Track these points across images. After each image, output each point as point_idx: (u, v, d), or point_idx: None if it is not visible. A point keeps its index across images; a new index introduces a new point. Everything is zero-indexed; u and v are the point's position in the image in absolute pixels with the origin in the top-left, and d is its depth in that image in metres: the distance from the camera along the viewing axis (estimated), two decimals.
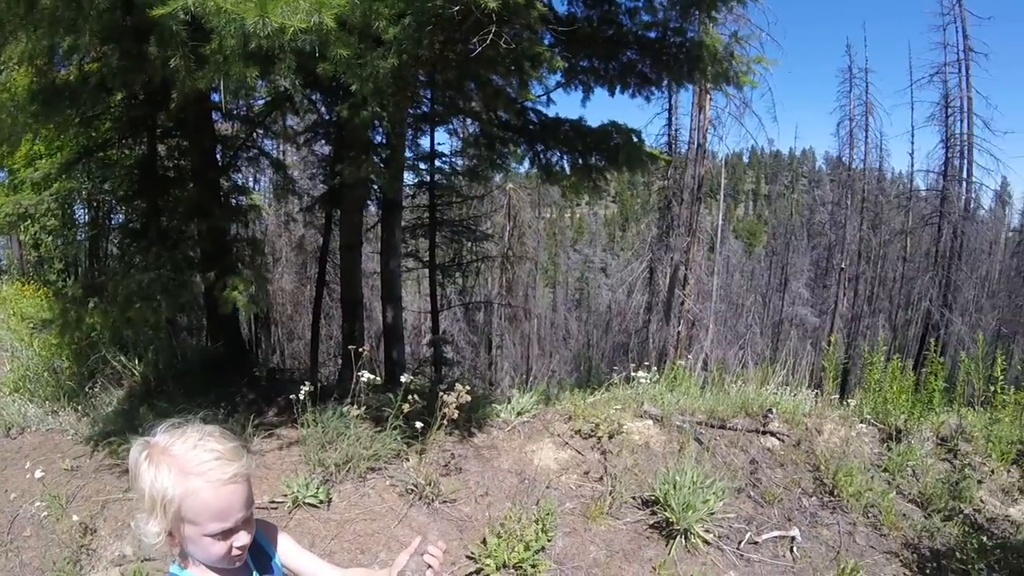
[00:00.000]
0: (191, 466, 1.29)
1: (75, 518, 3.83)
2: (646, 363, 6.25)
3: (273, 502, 4.04)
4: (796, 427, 4.85)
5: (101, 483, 4.34)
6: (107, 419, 5.19)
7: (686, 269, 15.62)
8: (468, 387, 4.23)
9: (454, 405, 4.05)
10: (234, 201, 7.78)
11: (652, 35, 5.49)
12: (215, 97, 6.26)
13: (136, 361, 5.74)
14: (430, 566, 1.48)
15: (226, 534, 1.34)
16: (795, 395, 5.29)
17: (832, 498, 4.29)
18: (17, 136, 4.55)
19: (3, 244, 17.20)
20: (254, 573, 1.50)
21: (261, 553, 1.56)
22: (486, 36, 3.20)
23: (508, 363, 23.76)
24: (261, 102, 7.30)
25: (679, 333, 15.48)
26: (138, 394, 5.55)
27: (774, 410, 4.87)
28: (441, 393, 4.22)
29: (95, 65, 4.49)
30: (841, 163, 23.10)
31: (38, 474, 4.00)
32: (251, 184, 9.77)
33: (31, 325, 6.82)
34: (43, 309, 8.18)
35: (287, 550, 1.64)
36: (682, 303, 15.63)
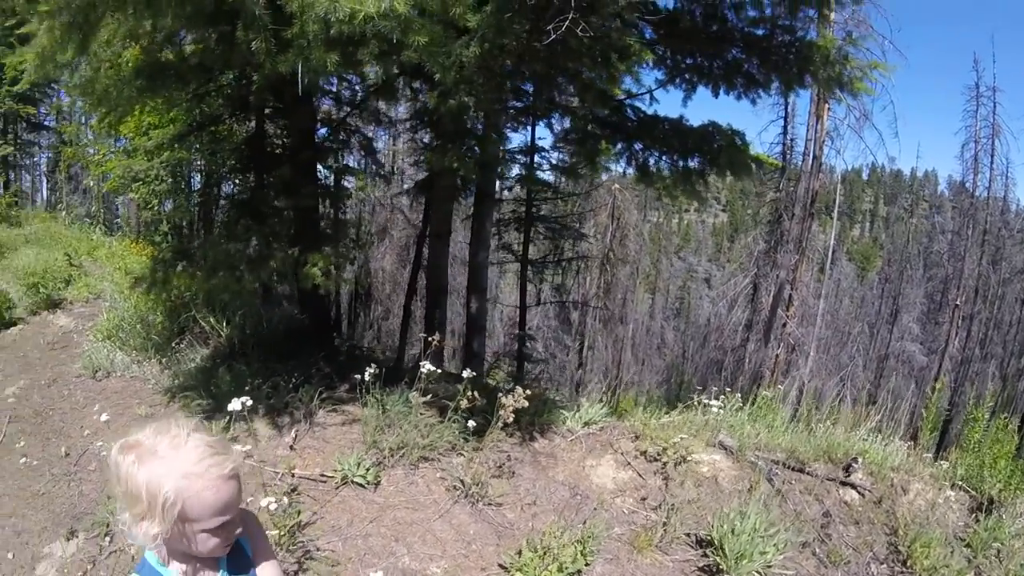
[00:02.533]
0: (189, 466, 1.29)
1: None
2: (728, 389, 5.83)
3: (323, 475, 4.11)
4: (881, 481, 4.31)
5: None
6: (188, 374, 5.47)
7: (791, 289, 14.66)
8: (529, 392, 4.09)
9: (510, 408, 3.92)
10: (330, 180, 8.03)
11: (759, 32, 5.06)
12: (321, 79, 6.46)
13: (224, 323, 5.99)
14: None
15: (224, 526, 1.36)
16: (886, 444, 4.72)
17: (904, 569, 3.76)
18: (124, 107, 4.82)
19: (120, 204, 18.89)
20: (224, 560, 1.48)
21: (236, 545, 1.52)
22: (561, 24, 3.01)
23: (598, 365, 23.40)
24: (361, 91, 7.47)
25: (777, 356, 14.58)
26: (221, 355, 5.80)
27: (859, 459, 4.35)
28: (500, 394, 4.10)
29: (196, 47, 4.68)
30: (964, 189, 20.91)
31: (104, 417, 4.27)
32: (359, 165, 10.11)
33: (132, 280, 7.34)
34: (144, 267, 8.84)
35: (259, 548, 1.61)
36: (784, 325, 14.70)
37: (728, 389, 5.65)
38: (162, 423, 1.38)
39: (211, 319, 6.00)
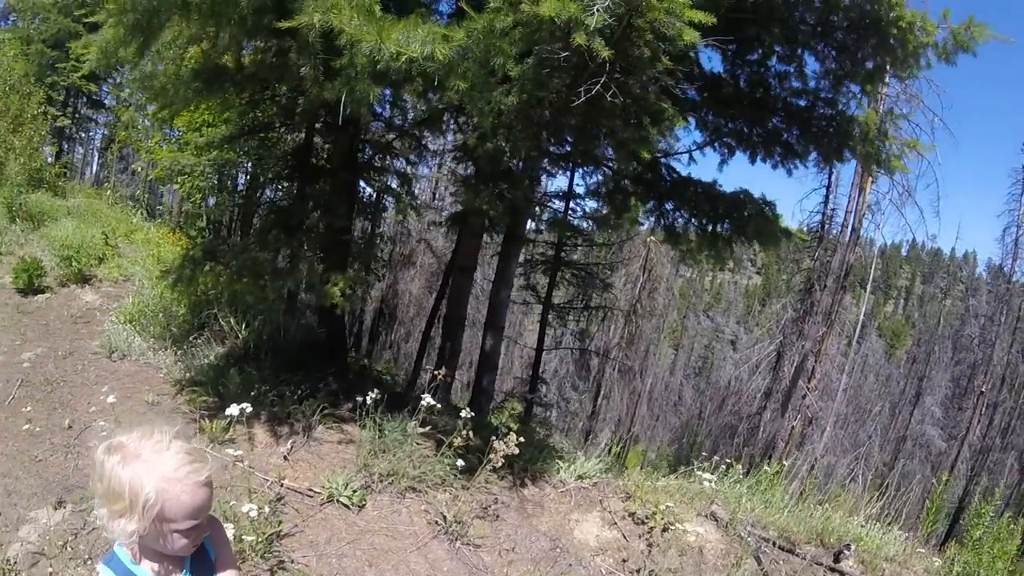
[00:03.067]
0: (170, 471, 1.40)
1: None
2: (734, 458, 5.74)
3: (311, 489, 4.15)
4: (872, 571, 4.19)
5: (169, 424, 4.63)
6: (199, 369, 5.57)
7: (815, 360, 14.41)
8: (522, 439, 4.11)
9: (500, 453, 3.94)
10: (370, 199, 8.18)
11: (801, 103, 5.13)
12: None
13: (243, 325, 6.11)
14: None
15: (195, 528, 1.46)
16: (884, 533, 4.60)
17: None
18: (179, 105, 5.05)
19: (163, 192, 19.41)
20: (187, 561, 1.56)
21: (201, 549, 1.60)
22: (594, 85, 3.10)
23: (612, 415, 23.17)
24: (409, 121, 7.69)
25: (793, 428, 14.28)
26: (235, 355, 5.90)
27: (852, 546, 4.23)
28: (493, 438, 4.13)
29: (254, 57, 4.90)
30: (1002, 273, 20.40)
31: (111, 399, 4.39)
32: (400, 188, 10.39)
33: (163, 268, 7.51)
34: (176, 258, 9.07)
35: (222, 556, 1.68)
36: (803, 396, 14.42)
37: (734, 458, 5.56)
38: (146, 428, 1.49)
39: (231, 319, 6.11)
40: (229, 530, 3.06)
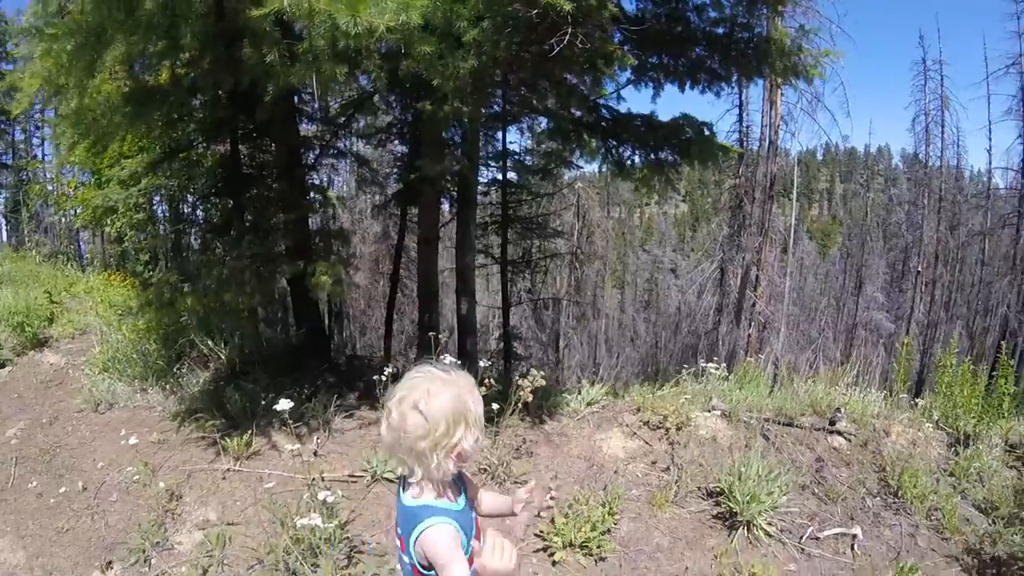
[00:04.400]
0: (466, 387, 1.60)
1: (161, 485, 4.05)
2: (714, 359, 6.25)
3: (352, 476, 4.30)
4: (864, 428, 4.78)
5: (187, 454, 4.63)
6: (194, 398, 5.50)
7: (758, 270, 15.26)
8: (542, 373, 4.39)
9: (529, 389, 4.21)
10: (313, 197, 8.19)
11: (720, 31, 5.49)
12: (298, 98, 6.67)
13: (222, 346, 6.09)
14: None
15: (476, 439, 1.62)
16: (864, 396, 5.19)
17: (896, 499, 4.22)
18: (110, 135, 4.96)
19: (87, 239, 18.59)
20: (461, 488, 1.75)
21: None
22: (563, 37, 3.34)
23: (575, 362, 23.75)
24: (336, 106, 7.69)
25: (750, 335, 15.15)
26: (224, 376, 5.89)
27: (842, 410, 4.81)
28: (516, 379, 4.40)
29: (185, 69, 4.86)
30: (917, 160, 22.00)
31: (133, 440, 4.28)
32: (326, 183, 10.35)
33: (119, 312, 7.28)
34: (131, 297, 8.81)
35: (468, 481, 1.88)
36: (753, 305, 15.28)
37: (713, 360, 6.05)
38: (412, 374, 1.64)
39: (209, 342, 6.10)
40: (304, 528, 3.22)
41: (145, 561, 3.62)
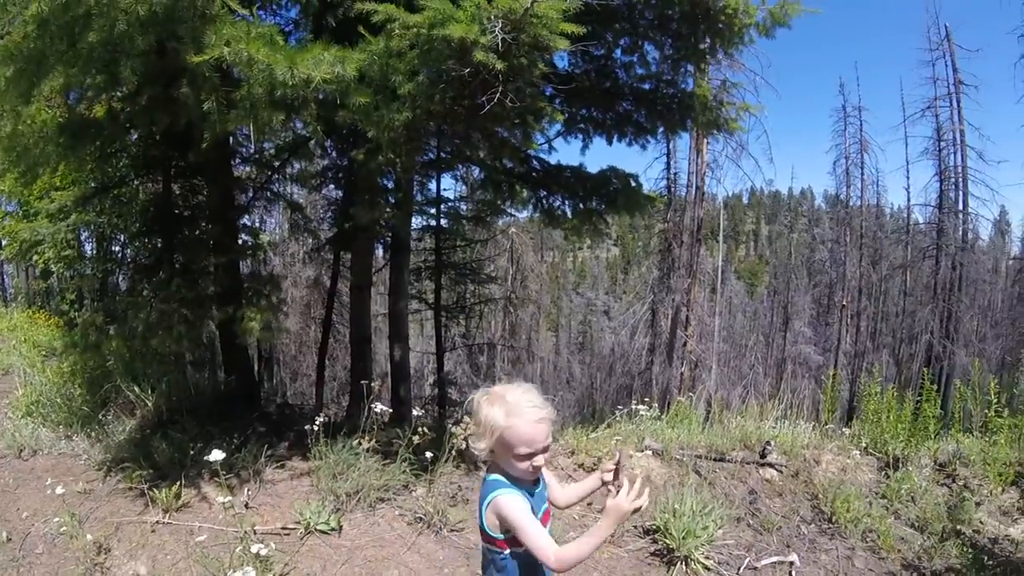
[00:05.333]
0: (516, 408, 1.90)
1: (89, 537, 3.88)
2: (646, 399, 6.42)
3: (285, 528, 4.16)
4: (794, 458, 5.00)
5: (115, 506, 4.44)
6: (120, 446, 5.29)
7: (688, 310, 15.82)
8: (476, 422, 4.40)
9: (462, 436, 4.21)
10: (245, 240, 8.07)
11: (646, 87, 5.84)
12: (232, 140, 6.62)
13: (149, 392, 5.88)
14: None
15: (529, 456, 1.92)
16: (794, 428, 5.44)
17: (830, 525, 4.42)
18: (41, 166, 4.82)
19: (10, 273, 17.55)
20: (541, 483, 2.12)
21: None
22: (493, 95, 3.50)
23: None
24: (271, 149, 7.67)
25: (682, 374, 15.59)
26: (151, 424, 5.66)
27: (772, 442, 5.03)
28: (449, 426, 4.40)
29: (122, 104, 4.79)
30: (839, 201, 23.51)
31: (59, 490, 4.04)
32: (259, 225, 10.20)
33: (43, 353, 6.94)
34: (55, 338, 8.37)
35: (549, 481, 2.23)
36: (684, 344, 15.78)
37: (645, 402, 6.22)
38: (509, 382, 2.03)
39: (135, 388, 5.88)
40: None
41: None
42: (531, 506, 1.98)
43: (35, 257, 9.47)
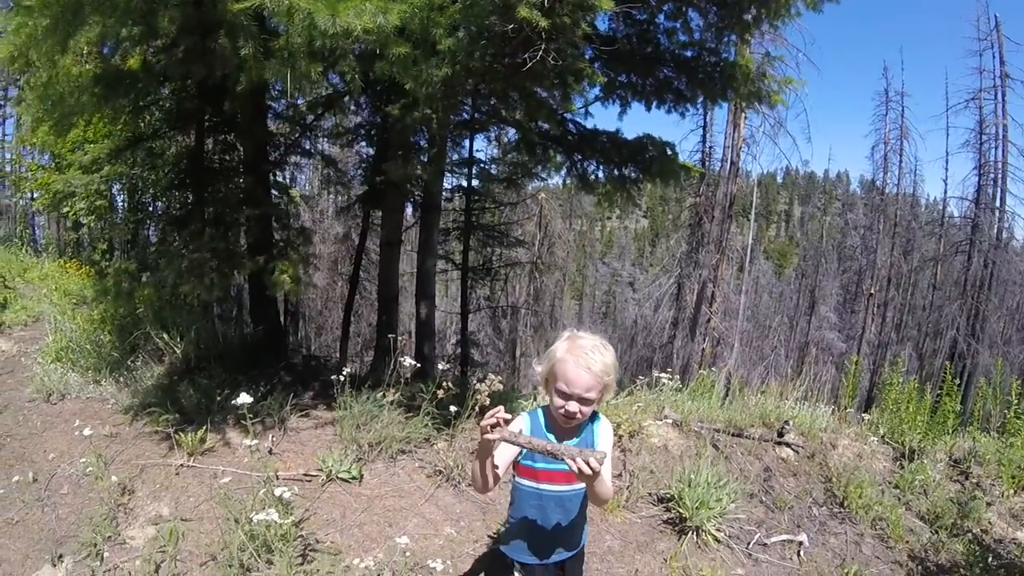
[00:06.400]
0: (575, 349, 2.02)
1: (114, 478, 4.00)
2: (669, 369, 6.42)
3: (307, 475, 4.28)
4: (811, 440, 4.99)
5: (140, 449, 4.57)
6: (148, 392, 5.41)
7: (714, 286, 15.68)
8: (499, 378, 4.46)
9: (486, 393, 4.27)
10: (276, 195, 8.15)
11: (688, 54, 5.70)
12: (268, 96, 6.65)
13: (177, 340, 5.98)
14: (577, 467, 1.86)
15: (565, 396, 2.01)
16: (813, 410, 5.41)
17: (842, 509, 4.42)
18: (75, 115, 4.85)
19: (42, 225, 17.95)
20: (575, 440, 2.14)
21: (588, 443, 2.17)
22: (536, 52, 3.44)
23: (531, 370, 23.73)
24: (304, 104, 7.68)
25: (704, 350, 15.53)
26: (178, 370, 5.79)
27: (790, 422, 5.01)
28: (474, 383, 4.45)
29: (157, 56, 4.80)
30: (875, 187, 22.97)
31: (87, 432, 4.19)
32: (289, 183, 10.28)
33: (73, 301, 7.08)
34: (86, 286, 8.56)
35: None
36: (708, 320, 15.68)
37: (667, 372, 6.21)
38: (580, 333, 2.12)
39: (164, 335, 6.01)
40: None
41: (97, 555, 3.52)
42: (536, 433, 2.12)
43: (67, 208, 9.64)
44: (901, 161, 22.04)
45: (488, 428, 1.87)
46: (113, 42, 4.63)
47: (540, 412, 2.19)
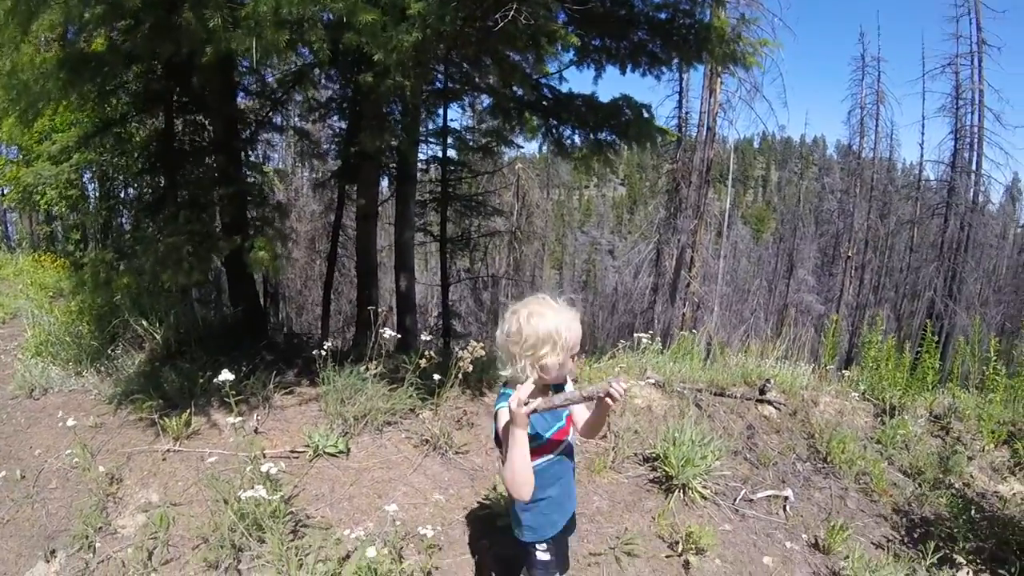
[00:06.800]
0: (568, 316, 2.01)
1: (101, 469, 3.97)
2: (650, 332, 6.47)
3: (294, 451, 4.28)
4: (793, 398, 5.09)
5: (126, 437, 4.53)
6: (130, 379, 5.35)
7: (693, 251, 15.78)
8: (481, 344, 4.47)
9: (468, 360, 4.28)
10: (248, 174, 8.01)
11: (663, 16, 5.63)
12: (236, 73, 6.49)
13: (157, 326, 5.91)
14: (609, 394, 1.91)
15: (573, 357, 2.06)
16: (794, 369, 5.51)
17: (825, 464, 4.53)
18: (41, 102, 4.70)
19: (14, 221, 17.50)
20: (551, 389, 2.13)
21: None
22: (507, 12, 3.37)
23: None
24: (274, 81, 7.52)
25: (684, 314, 15.68)
26: (159, 356, 5.72)
27: (771, 381, 5.10)
28: (456, 351, 4.45)
29: (123, 37, 4.65)
30: (851, 151, 23.18)
31: (71, 423, 4.12)
32: (262, 161, 10.11)
33: (50, 294, 6.95)
34: (62, 279, 8.40)
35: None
36: (688, 285, 15.81)
37: (648, 335, 6.27)
38: (529, 298, 2.08)
39: (143, 322, 5.92)
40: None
41: (89, 547, 3.51)
42: (544, 420, 2.13)
43: (38, 198, 9.40)
44: (877, 125, 22.28)
45: (521, 403, 1.89)
46: (76, 24, 4.45)
47: (510, 393, 2.06)
